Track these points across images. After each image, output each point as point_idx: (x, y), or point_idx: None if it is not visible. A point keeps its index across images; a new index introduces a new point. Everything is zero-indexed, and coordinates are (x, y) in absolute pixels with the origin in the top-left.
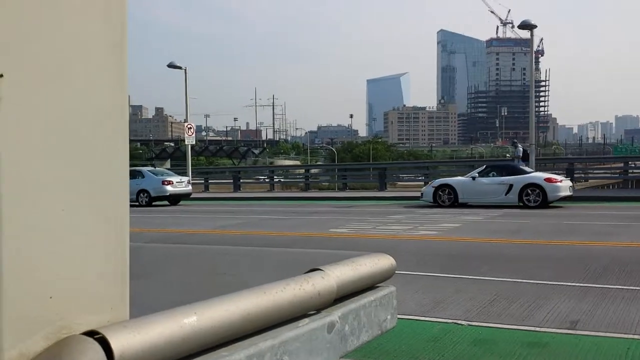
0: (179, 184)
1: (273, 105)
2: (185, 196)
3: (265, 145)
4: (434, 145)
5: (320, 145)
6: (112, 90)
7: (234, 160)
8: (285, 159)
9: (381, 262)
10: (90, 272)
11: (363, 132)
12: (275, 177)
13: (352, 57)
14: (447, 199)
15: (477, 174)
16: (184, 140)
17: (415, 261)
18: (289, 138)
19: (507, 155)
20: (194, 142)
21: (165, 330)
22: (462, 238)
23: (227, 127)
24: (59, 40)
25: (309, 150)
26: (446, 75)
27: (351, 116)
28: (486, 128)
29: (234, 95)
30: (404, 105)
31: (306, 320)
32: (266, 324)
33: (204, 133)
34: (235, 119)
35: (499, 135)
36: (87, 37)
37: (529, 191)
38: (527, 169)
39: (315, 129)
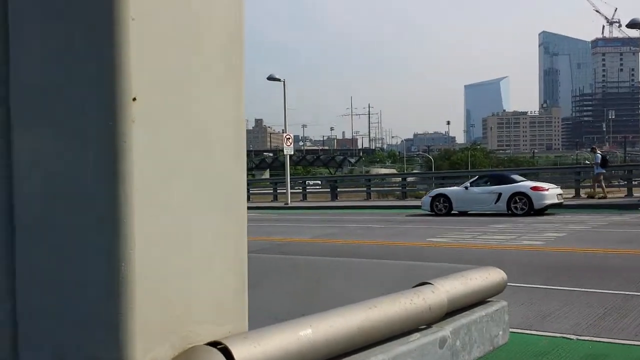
0: None
1: (369, 114)
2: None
3: (361, 153)
4: (536, 151)
5: (416, 153)
6: (232, 106)
7: (330, 169)
8: (381, 167)
9: (492, 276)
10: (212, 284)
11: (461, 139)
12: (371, 185)
13: (449, 62)
14: (442, 207)
15: (469, 184)
16: (282, 151)
17: (518, 272)
18: (384, 146)
19: (587, 161)
20: (292, 152)
21: (283, 342)
22: (567, 248)
23: (323, 136)
24: (185, 63)
25: (405, 158)
26: (548, 78)
27: (448, 123)
28: (592, 132)
29: (330, 104)
30: (504, 111)
31: (417, 335)
32: (378, 338)
33: (301, 143)
34: (331, 128)
35: (605, 139)
36: (210, 60)
37: (517, 199)
38: (517, 177)
39: (411, 136)
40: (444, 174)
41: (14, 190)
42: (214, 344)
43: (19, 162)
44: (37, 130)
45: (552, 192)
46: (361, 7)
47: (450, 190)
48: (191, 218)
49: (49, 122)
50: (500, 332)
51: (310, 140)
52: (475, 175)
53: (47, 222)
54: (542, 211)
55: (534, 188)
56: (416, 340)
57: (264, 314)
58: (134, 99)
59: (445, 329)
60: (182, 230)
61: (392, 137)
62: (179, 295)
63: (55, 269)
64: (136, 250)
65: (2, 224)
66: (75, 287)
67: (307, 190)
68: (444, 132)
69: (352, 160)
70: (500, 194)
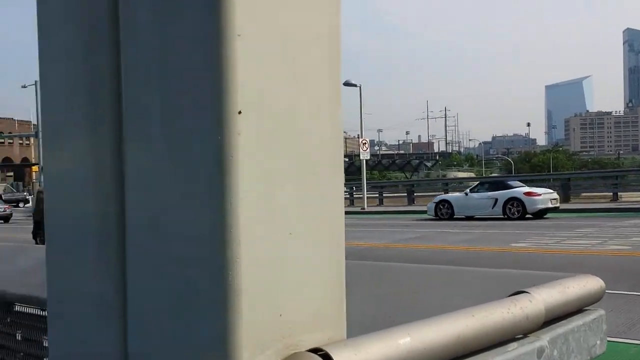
0: None
1: (445, 117)
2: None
3: (437, 157)
4: (621, 152)
5: (495, 156)
6: (332, 118)
7: (406, 173)
8: (458, 171)
9: (589, 284)
10: (313, 291)
11: (542, 140)
12: (449, 189)
13: (528, 63)
14: (445, 212)
15: (469, 190)
16: (358, 155)
17: (604, 278)
18: (461, 150)
19: None
20: (368, 157)
21: (382, 350)
22: None
23: (399, 140)
24: (287, 76)
25: (483, 162)
26: (634, 77)
27: (528, 124)
28: None
29: (405, 108)
30: (587, 111)
31: (514, 344)
32: (475, 347)
33: (376, 147)
34: (407, 132)
35: None
36: (311, 72)
37: (510, 205)
38: (514, 183)
39: (489, 139)
40: (525, 177)
41: (127, 198)
42: (315, 351)
43: (131, 177)
44: (146, 144)
45: (545, 197)
46: (434, 6)
47: (453, 196)
48: (293, 228)
49: (159, 137)
50: (598, 342)
51: (386, 144)
52: (556, 177)
53: (158, 231)
54: (539, 215)
55: (527, 193)
56: (514, 350)
57: (350, 321)
58: (239, 112)
59: (543, 339)
60: (285, 241)
61: (470, 139)
62: (282, 304)
63: (165, 277)
64: (242, 260)
65: (114, 230)
66: (184, 297)
67: (384, 194)
68: (524, 134)
69: (429, 164)
70: (496, 199)
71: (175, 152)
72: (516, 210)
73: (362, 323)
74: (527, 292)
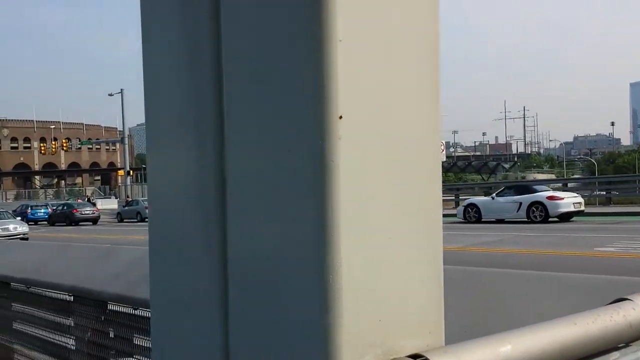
0: None
1: (524, 117)
2: None
3: (515, 159)
4: None
5: (577, 157)
6: (430, 123)
7: (483, 175)
8: (537, 172)
9: None
10: (412, 297)
11: (626, 140)
12: None
13: (611, 60)
14: (473, 215)
15: (495, 194)
16: None
17: None
18: (541, 150)
19: None
20: (444, 159)
21: (481, 358)
22: None
23: (475, 142)
24: (386, 81)
25: (564, 163)
26: None
27: (612, 124)
28: None
29: (482, 109)
30: None
31: (616, 353)
32: (577, 356)
33: (451, 149)
34: (483, 134)
35: None
36: (410, 77)
37: (534, 208)
38: (538, 187)
39: (570, 139)
40: (609, 179)
41: (228, 199)
42: (415, 357)
43: (232, 179)
44: (247, 147)
45: (567, 201)
46: (509, 4)
47: (481, 200)
48: (391, 232)
49: (259, 141)
50: None
51: (461, 146)
52: None
53: (258, 233)
54: (564, 218)
55: (550, 197)
56: None
57: (449, 329)
58: (340, 117)
59: None
60: (384, 245)
61: (550, 140)
62: (381, 308)
63: (266, 277)
64: (342, 264)
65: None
66: (284, 298)
67: (460, 197)
68: (607, 134)
69: (506, 166)
70: (520, 203)
71: (276, 156)
72: (539, 213)
73: (456, 329)
74: (630, 300)
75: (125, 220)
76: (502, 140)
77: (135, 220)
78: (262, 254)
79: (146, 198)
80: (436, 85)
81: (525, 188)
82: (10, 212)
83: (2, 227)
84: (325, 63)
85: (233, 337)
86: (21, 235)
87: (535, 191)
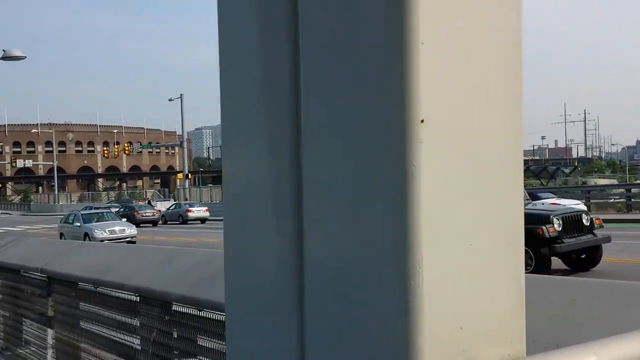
0: None
1: (585, 120)
2: None
3: (576, 163)
4: None
5: None
6: (512, 126)
7: (541, 180)
8: (599, 177)
9: None
10: (493, 305)
11: None
12: (590, 197)
13: None
14: None
15: None
16: None
17: None
18: (603, 155)
19: None
20: None
21: None
22: None
23: (533, 146)
24: (467, 84)
25: (627, 167)
26: None
27: None
28: None
29: (541, 112)
30: None
31: None
32: None
33: None
34: (542, 137)
35: None
36: (492, 80)
37: None
38: (543, 195)
39: (633, 143)
40: None
41: (304, 203)
42: None
43: (308, 183)
44: (324, 152)
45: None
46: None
47: None
48: (473, 239)
49: (337, 145)
50: None
51: None
52: None
53: (336, 235)
54: None
55: (553, 205)
56: None
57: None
58: (422, 121)
59: None
60: (465, 252)
61: (612, 144)
62: (462, 316)
63: (344, 282)
64: (424, 270)
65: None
66: (363, 304)
67: None
68: None
69: (566, 171)
70: None
71: (355, 160)
72: None
73: (536, 338)
74: None
75: (168, 222)
76: (561, 144)
77: (178, 222)
78: (339, 259)
79: (191, 202)
80: (519, 88)
81: (530, 195)
82: (114, 212)
83: (109, 229)
84: (407, 66)
85: (309, 343)
86: (129, 239)
87: (539, 198)
